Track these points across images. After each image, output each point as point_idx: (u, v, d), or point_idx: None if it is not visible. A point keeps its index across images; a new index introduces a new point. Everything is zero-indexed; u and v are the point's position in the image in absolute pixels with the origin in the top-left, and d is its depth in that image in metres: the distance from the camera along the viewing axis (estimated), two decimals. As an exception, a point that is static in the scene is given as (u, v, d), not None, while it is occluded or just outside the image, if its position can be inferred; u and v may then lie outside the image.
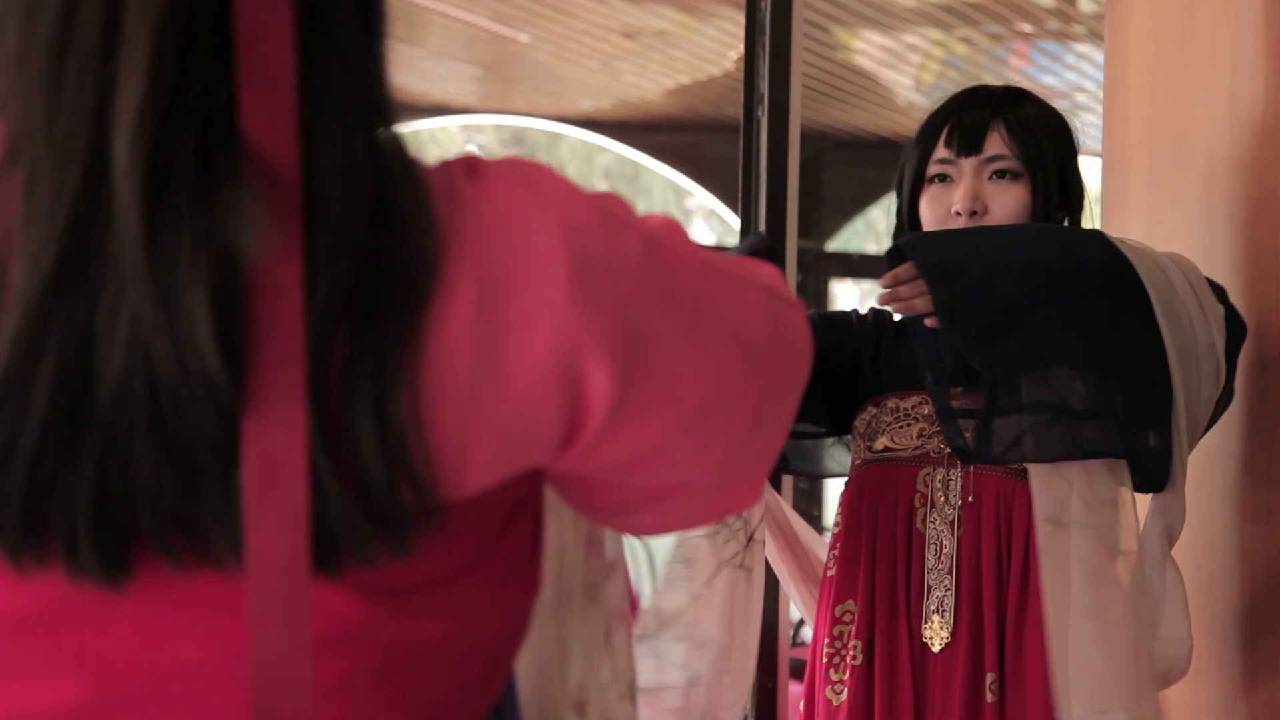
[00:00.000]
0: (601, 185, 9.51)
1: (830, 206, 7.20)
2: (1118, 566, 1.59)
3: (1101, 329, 1.58)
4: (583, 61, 6.11)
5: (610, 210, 0.74)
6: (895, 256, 1.61)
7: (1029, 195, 1.72)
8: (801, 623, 3.84)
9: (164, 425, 0.65)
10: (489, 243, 0.69)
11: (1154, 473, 1.62)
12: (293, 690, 0.67)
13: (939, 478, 1.74)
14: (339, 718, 0.71)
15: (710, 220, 8.46)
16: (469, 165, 0.73)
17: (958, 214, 1.72)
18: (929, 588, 1.72)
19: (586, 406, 0.71)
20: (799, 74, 2.05)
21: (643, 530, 0.94)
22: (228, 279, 0.64)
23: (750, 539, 1.74)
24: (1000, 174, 1.72)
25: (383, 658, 0.72)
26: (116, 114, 0.64)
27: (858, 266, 7.56)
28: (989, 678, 1.70)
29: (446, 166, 0.72)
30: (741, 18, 5.96)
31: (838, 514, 1.82)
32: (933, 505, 1.73)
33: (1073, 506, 1.59)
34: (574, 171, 9.34)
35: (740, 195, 2.05)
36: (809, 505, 5.24)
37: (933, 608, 1.72)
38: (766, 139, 2.06)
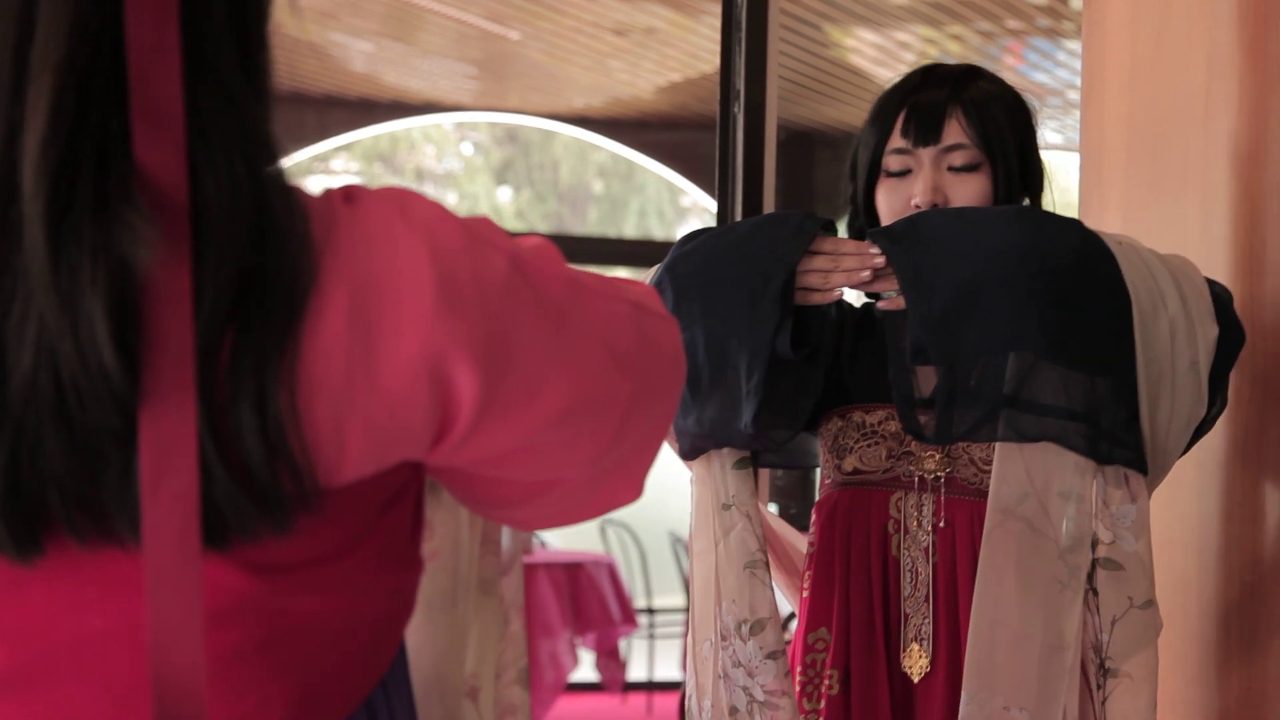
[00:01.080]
0: (597, 183, 9.53)
1: (823, 203, 7.20)
2: (1058, 563, 1.53)
3: (1072, 320, 1.52)
4: (574, 59, 6.11)
5: (477, 232, 0.82)
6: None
7: (990, 183, 1.66)
8: (792, 615, 3.84)
9: (68, 417, 0.73)
10: (361, 259, 0.77)
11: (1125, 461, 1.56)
12: (186, 657, 0.74)
13: (911, 503, 1.66)
14: (230, 684, 0.79)
15: (704, 218, 8.47)
16: (347, 193, 0.82)
17: (917, 206, 1.65)
18: (906, 615, 1.66)
19: (455, 405, 0.80)
20: (775, 71, 2.04)
21: (528, 524, 1.02)
22: (123, 287, 0.72)
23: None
24: (960, 166, 1.66)
25: (269, 629, 0.80)
26: (24, 146, 0.73)
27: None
28: None
29: (327, 194, 0.81)
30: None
31: (811, 534, 1.77)
32: (906, 531, 1.66)
33: (1028, 498, 1.54)
34: (568, 169, 9.35)
35: (717, 191, 2.05)
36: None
37: (911, 636, 1.65)
38: (743, 135, 2.05)
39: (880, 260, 1.54)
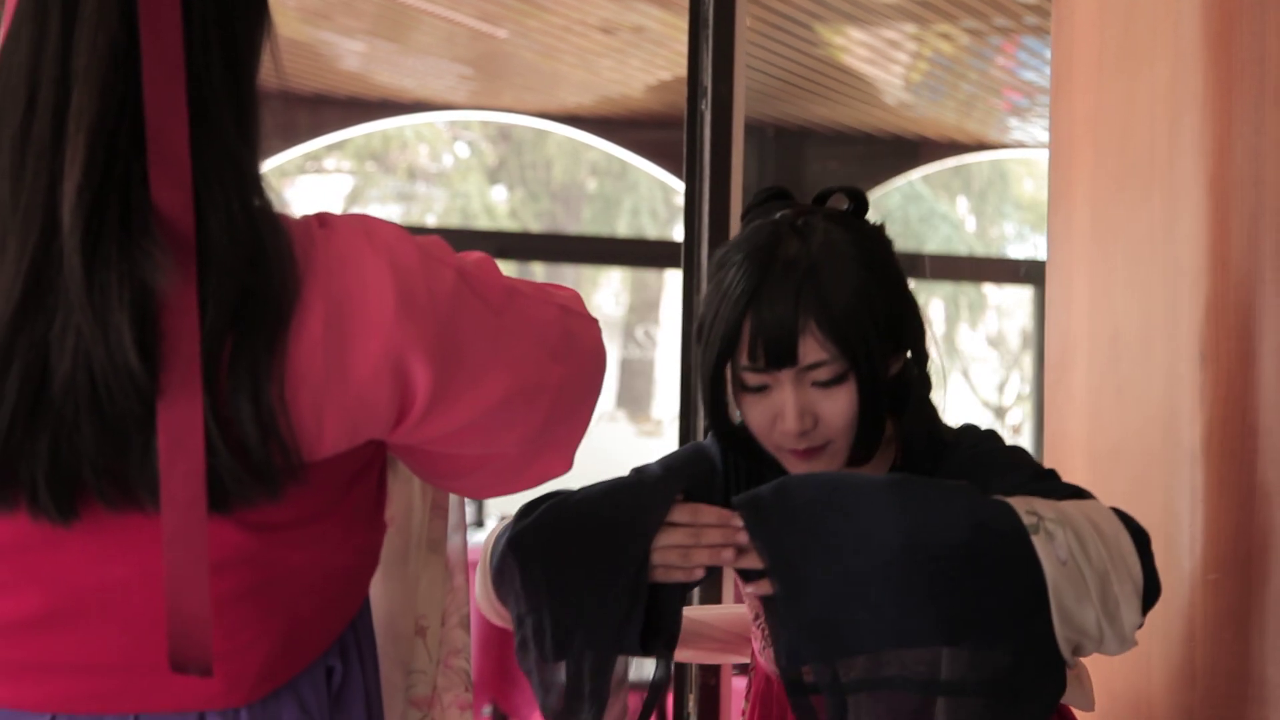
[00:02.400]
0: (590, 181, 9.52)
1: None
2: None
3: (972, 606, 1.33)
4: (562, 58, 6.10)
5: (429, 251, 1.02)
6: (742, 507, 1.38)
7: (858, 389, 1.49)
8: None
9: (100, 407, 0.92)
10: (336, 277, 0.97)
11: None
12: (196, 598, 0.93)
13: None
14: (229, 622, 0.98)
15: (697, 217, 8.48)
16: (321, 218, 1.01)
17: (786, 433, 1.50)
18: None
19: (412, 394, 1.00)
20: (743, 68, 2.04)
21: (473, 492, 1.24)
22: (144, 304, 0.92)
23: None
24: (825, 382, 1.49)
25: (261, 577, 1.00)
26: (63, 192, 0.92)
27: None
28: None
29: (305, 220, 1.00)
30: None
31: (746, 705, 1.70)
32: None
33: None
34: (561, 168, 9.34)
35: (684, 190, 2.05)
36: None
37: None
38: (710, 133, 2.05)
39: (745, 537, 1.36)
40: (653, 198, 8.85)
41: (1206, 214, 1.85)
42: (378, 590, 1.22)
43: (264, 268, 0.94)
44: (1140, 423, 1.95)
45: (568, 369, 1.09)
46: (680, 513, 1.39)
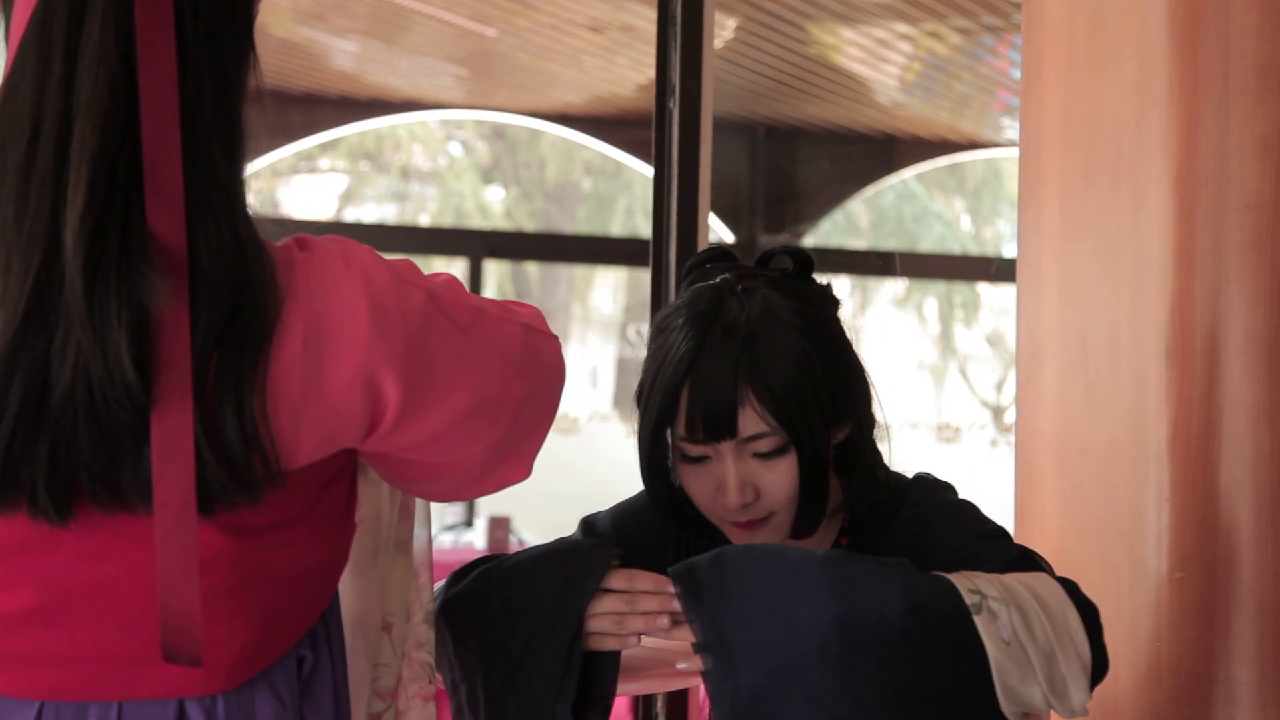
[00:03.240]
0: (585, 181, 9.52)
1: (805, 200, 7.19)
2: None
3: (910, 686, 1.30)
4: (553, 57, 6.10)
5: (401, 273, 1.09)
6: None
7: (799, 464, 1.46)
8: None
9: (97, 418, 0.99)
10: (314, 298, 1.04)
11: None
12: (186, 593, 1.00)
13: None
14: (211, 615, 1.05)
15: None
16: (301, 242, 1.08)
17: (728, 505, 1.48)
18: None
19: (383, 407, 1.07)
20: (711, 65, 2.04)
21: (437, 496, 1.30)
22: (141, 323, 0.98)
23: None
24: (765, 454, 1.46)
25: (241, 575, 1.07)
26: (66, 218, 0.98)
27: (834, 261, 7.56)
28: None
29: (286, 244, 1.07)
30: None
31: None
32: None
33: None
34: (555, 167, 9.34)
35: (653, 189, 2.04)
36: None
37: None
38: (678, 131, 2.04)
39: (680, 606, 1.33)
40: (647, 197, 8.85)
41: (1173, 211, 1.85)
42: (348, 587, 1.29)
43: (249, 290, 1.01)
44: (1108, 421, 1.95)
45: (529, 384, 1.17)
46: (616, 579, 1.36)
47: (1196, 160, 1.81)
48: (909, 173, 7.90)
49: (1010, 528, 2.23)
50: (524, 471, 1.23)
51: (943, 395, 12.17)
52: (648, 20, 5.54)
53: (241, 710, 1.09)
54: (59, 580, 1.04)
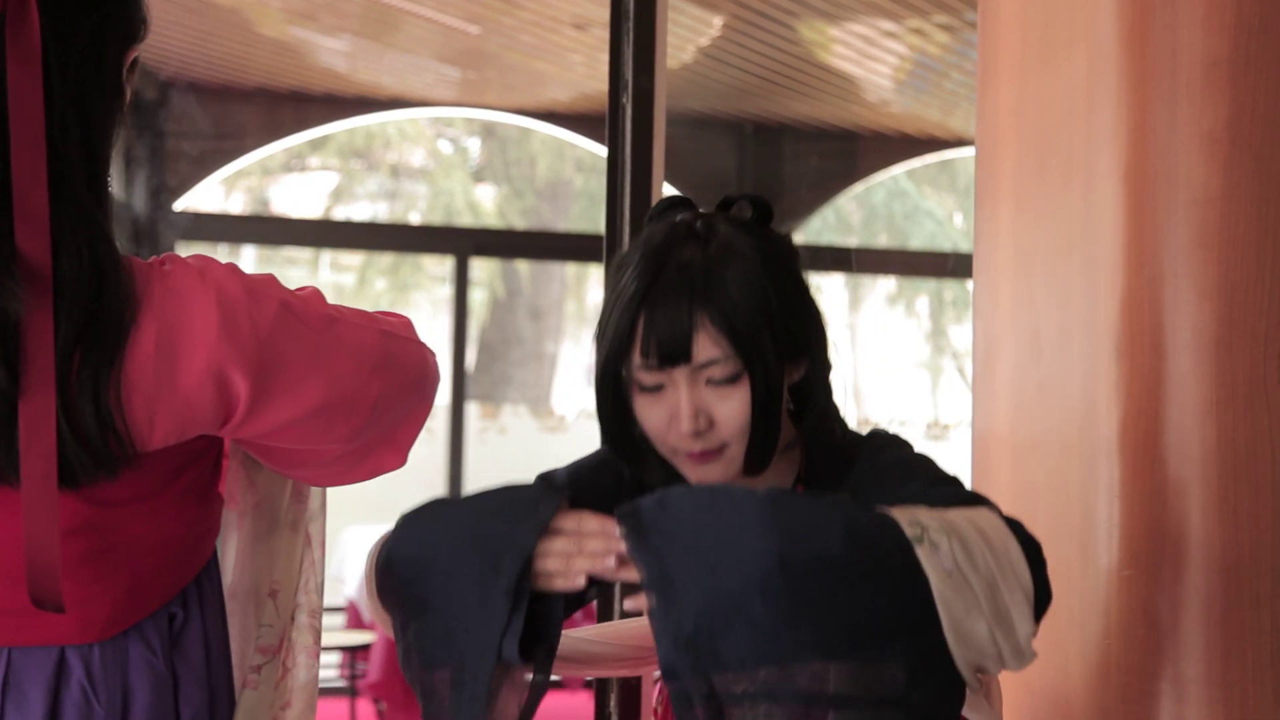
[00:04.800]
0: (577, 178, 9.49)
1: (792, 197, 7.18)
2: None
3: (852, 618, 1.30)
4: (538, 54, 6.09)
5: (256, 286, 1.26)
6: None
7: (752, 394, 1.47)
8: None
9: None
10: (169, 307, 1.21)
11: None
12: (48, 554, 1.17)
13: None
14: (80, 577, 1.24)
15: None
16: (166, 259, 1.25)
17: (681, 434, 1.48)
18: None
19: (234, 400, 1.24)
20: (664, 60, 2.02)
21: (317, 480, 1.48)
22: (8, 328, 1.17)
23: None
24: (719, 380, 1.47)
25: (107, 540, 1.25)
26: None
27: (823, 259, 7.54)
28: None
29: (152, 261, 1.25)
30: (694, 9, 5.93)
31: (657, 703, 1.67)
32: None
33: None
34: (546, 165, 9.31)
35: (606, 184, 2.03)
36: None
37: None
38: (631, 126, 2.03)
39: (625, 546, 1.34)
40: (637, 194, 8.85)
41: (1122, 209, 1.84)
42: (245, 560, 1.47)
43: (106, 300, 1.19)
44: (1059, 418, 1.94)
45: (386, 383, 1.33)
46: (564, 520, 1.37)
47: (1145, 155, 1.80)
48: (899, 169, 7.89)
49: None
50: (398, 460, 1.43)
51: (938, 392, 12.16)
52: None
53: (116, 658, 1.28)
54: None
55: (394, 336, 1.35)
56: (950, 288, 9.51)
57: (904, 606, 1.31)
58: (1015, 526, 1.39)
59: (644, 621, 1.74)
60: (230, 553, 1.46)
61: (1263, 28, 1.74)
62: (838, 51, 6.04)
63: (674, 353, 1.45)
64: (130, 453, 1.21)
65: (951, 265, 8.35)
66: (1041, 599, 1.37)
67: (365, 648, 5.85)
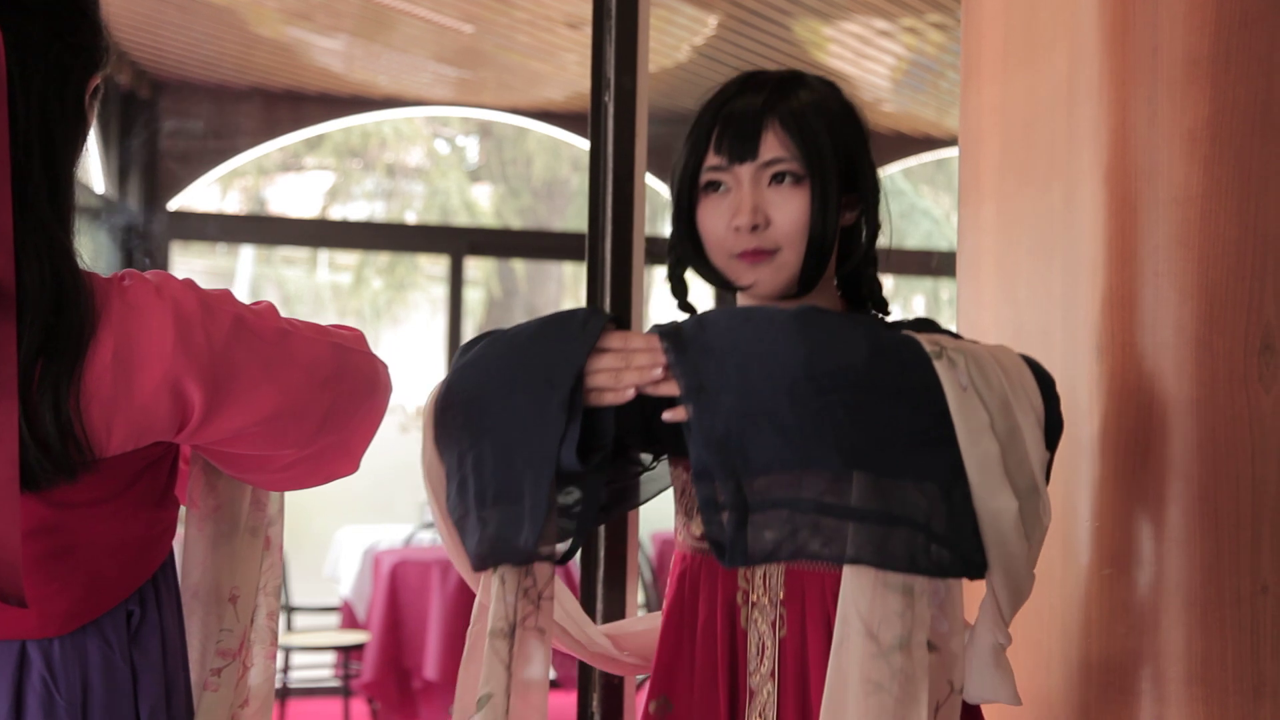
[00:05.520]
0: (574, 178, 9.45)
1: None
2: (883, 665, 1.41)
3: (874, 430, 1.39)
4: (531, 53, 6.08)
5: (210, 302, 1.32)
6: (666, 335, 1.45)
7: (810, 198, 1.57)
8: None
9: None
10: (126, 321, 1.27)
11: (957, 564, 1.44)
12: (11, 554, 1.22)
13: (760, 574, 1.57)
14: (41, 575, 1.29)
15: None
16: (126, 275, 1.31)
17: (738, 229, 1.58)
18: (752, 692, 1.56)
19: (189, 409, 1.30)
20: (646, 59, 2.02)
21: (274, 485, 1.51)
22: None
23: (540, 598, 1.57)
24: (779, 177, 1.58)
25: (65, 541, 1.31)
26: None
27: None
28: None
29: (113, 276, 1.30)
30: (689, 8, 5.92)
31: (667, 596, 1.70)
32: (754, 604, 1.57)
33: (861, 602, 1.42)
34: (542, 164, 9.29)
35: (589, 182, 2.03)
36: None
37: (755, 712, 1.56)
38: (613, 125, 2.03)
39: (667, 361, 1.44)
40: (634, 194, 8.83)
41: (1103, 206, 1.84)
42: (208, 560, 1.55)
43: (66, 314, 1.24)
44: (1041, 416, 1.93)
45: (338, 394, 1.39)
46: (611, 339, 1.47)
47: (1126, 154, 1.80)
48: (894, 168, 7.87)
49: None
50: (350, 466, 1.49)
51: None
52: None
53: (75, 652, 1.33)
54: None
55: (346, 349, 1.41)
56: (947, 286, 9.51)
57: (922, 420, 1.41)
58: (1031, 362, 1.51)
59: (645, 630, 1.77)
60: (192, 555, 1.54)
61: (1243, 24, 1.73)
62: (833, 50, 6.03)
63: (743, 148, 1.57)
64: (89, 458, 1.27)
65: (935, 263, 8.33)
66: (1053, 426, 1.48)
67: (359, 647, 5.85)
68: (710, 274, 1.65)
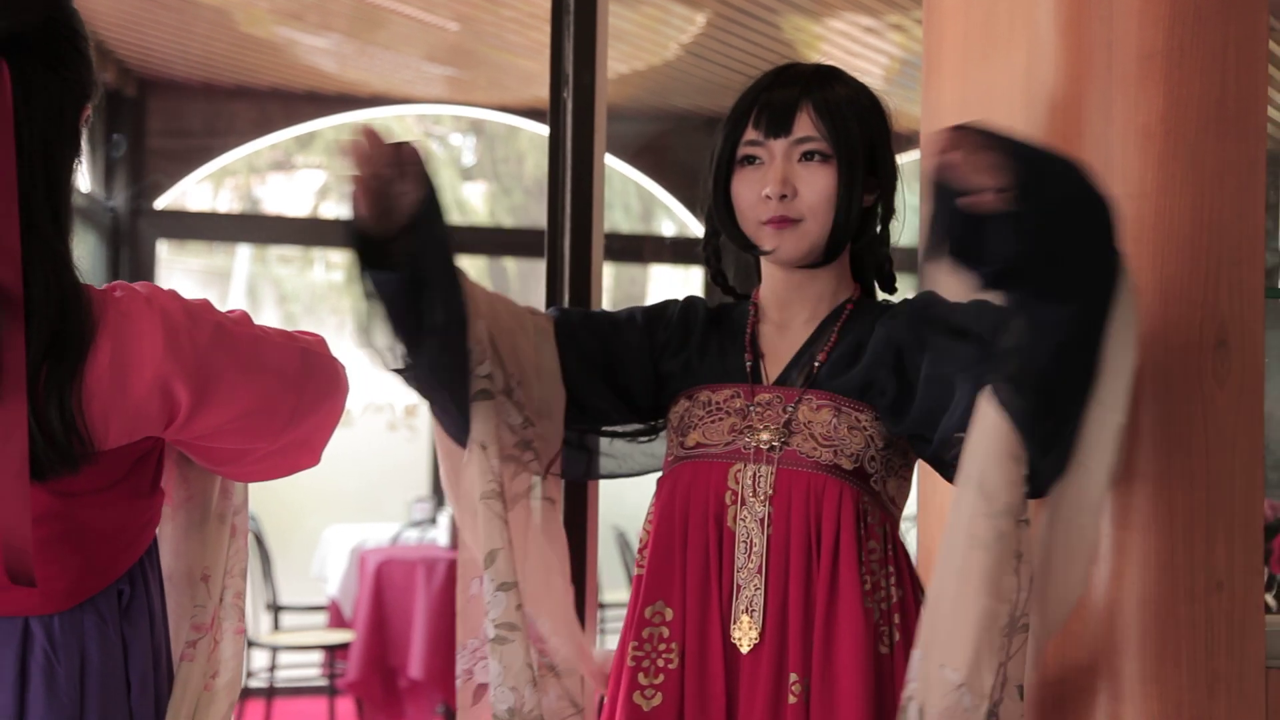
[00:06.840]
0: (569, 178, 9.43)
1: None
2: (992, 531, 1.54)
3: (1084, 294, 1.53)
4: (520, 51, 6.08)
5: (194, 311, 1.47)
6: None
7: (835, 178, 1.74)
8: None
9: None
10: (121, 328, 1.43)
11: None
12: (23, 539, 1.38)
13: (749, 474, 1.72)
14: (49, 555, 1.44)
15: (673, 210, 8.41)
16: (118, 287, 1.47)
17: (768, 197, 1.74)
18: (738, 587, 1.70)
19: (176, 407, 1.46)
20: (605, 55, 2.02)
21: (242, 477, 1.69)
22: None
23: (546, 472, 1.82)
24: (809, 155, 1.74)
25: (65, 527, 1.46)
26: None
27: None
28: (791, 678, 1.68)
29: (107, 287, 1.46)
30: (677, 6, 5.90)
31: (650, 511, 1.80)
32: (743, 503, 1.71)
33: (977, 458, 1.55)
34: (534, 162, 9.30)
35: (548, 178, 2.02)
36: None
37: (742, 608, 1.70)
38: (572, 121, 2.02)
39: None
40: (625, 192, 8.81)
41: (1060, 202, 1.83)
42: (179, 547, 1.70)
43: (69, 321, 1.40)
44: (1000, 413, 1.93)
45: (302, 395, 1.55)
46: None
47: (1081, 150, 1.79)
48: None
49: (914, 516, 2.22)
50: (312, 460, 1.66)
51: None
52: (614, 15, 5.51)
53: (73, 627, 1.48)
54: None
55: (311, 353, 1.57)
56: (938, 285, 9.52)
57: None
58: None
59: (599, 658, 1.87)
60: (167, 541, 1.69)
61: (1197, 19, 1.73)
62: (823, 49, 6.02)
63: (778, 124, 1.73)
64: (89, 451, 1.43)
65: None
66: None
67: (345, 646, 5.84)
68: (739, 238, 1.79)
